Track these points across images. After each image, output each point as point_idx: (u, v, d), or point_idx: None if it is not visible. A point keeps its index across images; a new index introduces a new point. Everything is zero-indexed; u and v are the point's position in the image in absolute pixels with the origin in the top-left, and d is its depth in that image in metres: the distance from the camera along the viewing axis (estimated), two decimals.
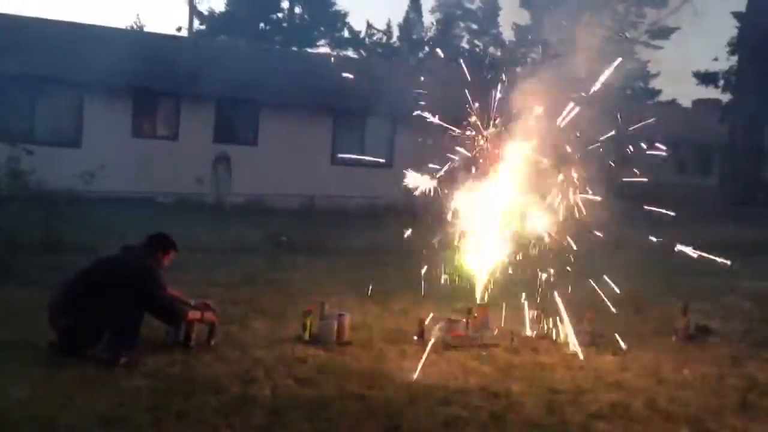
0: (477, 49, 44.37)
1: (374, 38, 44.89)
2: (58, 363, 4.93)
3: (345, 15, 40.24)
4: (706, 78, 26.63)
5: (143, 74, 17.20)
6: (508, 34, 43.97)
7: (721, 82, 26.10)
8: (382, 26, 46.33)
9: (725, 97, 26.62)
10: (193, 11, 32.22)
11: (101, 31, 20.52)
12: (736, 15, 24.45)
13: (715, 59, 25.77)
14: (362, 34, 43.22)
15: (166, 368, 5.02)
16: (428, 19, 48.55)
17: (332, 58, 27.65)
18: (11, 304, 6.59)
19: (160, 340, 5.52)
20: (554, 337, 6.40)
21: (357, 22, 59.95)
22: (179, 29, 33.63)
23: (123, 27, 37.53)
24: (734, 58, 25.00)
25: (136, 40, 22.98)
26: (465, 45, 45.64)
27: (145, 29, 41.68)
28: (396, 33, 46.66)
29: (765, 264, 11.95)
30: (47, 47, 16.63)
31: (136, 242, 5.57)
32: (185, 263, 7.17)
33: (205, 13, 37.29)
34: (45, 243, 9.26)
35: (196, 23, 35.50)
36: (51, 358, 5.03)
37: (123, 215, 12.04)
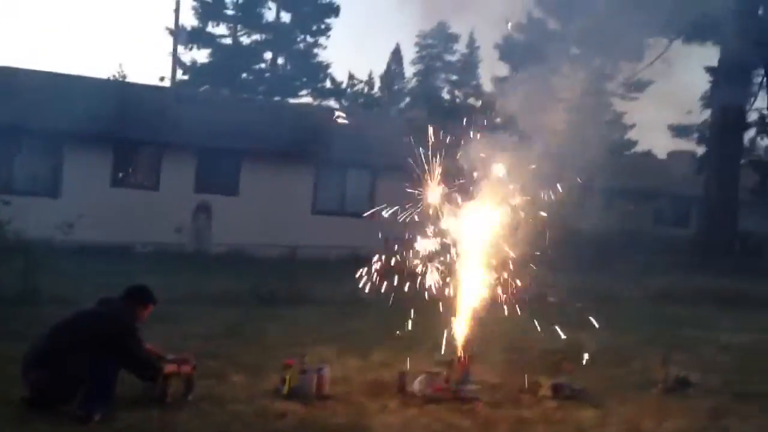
0: (457, 100, 45.05)
1: (356, 89, 45.51)
2: (30, 419, 4.82)
3: (327, 66, 40.79)
4: (680, 130, 27.22)
5: (124, 124, 17.28)
6: (488, 86, 44.71)
7: (695, 135, 26.69)
8: (363, 77, 47.00)
9: (700, 149, 27.16)
10: (176, 61, 32.49)
11: (82, 81, 20.61)
12: (708, 69, 25.10)
13: (689, 112, 26.27)
14: (344, 85, 43.80)
15: (141, 425, 4.92)
16: (409, 70, 49.35)
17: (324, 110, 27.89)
18: None
19: (135, 396, 5.42)
20: (537, 391, 6.37)
21: (339, 73, 60.67)
22: (162, 79, 33.74)
23: (105, 77, 37.74)
24: (707, 112, 25.59)
25: (118, 89, 23.13)
26: (446, 95, 46.36)
27: (128, 79, 41.95)
28: (377, 84, 47.38)
29: (744, 316, 12.05)
30: (27, 97, 16.64)
31: (114, 294, 5.51)
32: (163, 315, 7.10)
33: (188, 63, 37.62)
34: (22, 294, 9.12)
35: (179, 73, 35.78)
36: (23, 415, 4.91)
37: (102, 266, 11.95)
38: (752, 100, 23.64)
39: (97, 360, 4.90)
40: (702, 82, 25.35)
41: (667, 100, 26.18)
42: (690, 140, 27.56)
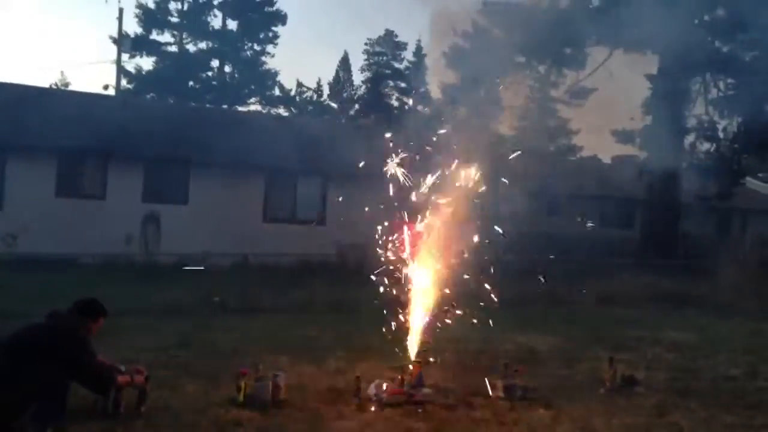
0: (405, 107, 45.35)
1: (304, 96, 45.46)
2: None
3: (275, 74, 40.64)
4: (623, 136, 27.95)
5: (69, 133, 16.90)
6: (435, 92, 45.17)
7: (638, 140, 27.42)
8: (312, 84, 46.97)
9: (643, 154, 27.92)
10: (120, 69, 31.94)
11: (23, 90, 20.13)
12: (648, 77, 25.88)
13: (632, 118, 27.01)
14: (293, 92, 43.70)
15: None
16: (358, 77, 49.50)
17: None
18: None
19: (87, 408, 5.34)
20: (488, 392, 6.49)
21: (287, 81, 60.59)
22: (106, 87, 33.17)
23: (47, 85, 36.89)
24: (648, 118, 26.36)
25: (62, 98, 22.63)
26: (394, 102, 46.63)
27: (70, 87, 41.05)
28: (326, 91, 47.39)
29: (687, 315, 12.48)
30: None
31: (63, 307, 5.42)
32: (114, 327, 7.00)
33: (133, 71, 37.01)
34: None
35: (124, 82, 35.16)
36: None
37: (48, 278, 11.69)
38: (691, 106, 24.46)
39: (48, 374, 4.81)
40: (642, 89, 26.05)
41: (610, 107, 26.84)
42: (634, 146, 28.30)
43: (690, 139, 25.60)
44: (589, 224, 19.87)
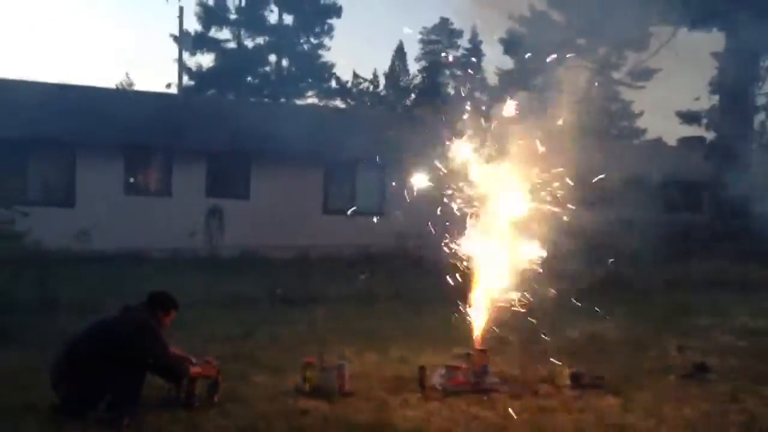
0: (462, 94, 44.96)
1: (361, 87, 45.55)
2: (60, 426, 4.91)
3: (332, 66, 40.83)
4: (689, 117, 27.09)
5: (134, 132, 17.39)
6: (492, 80, 44.74)
7: (704, 121, 26.56)
8: (368, 75, 47.02)
9: (710, 135, 27.06)
10: (182, 67, 32.68)
11: (92, 92, 20.77)
12: (715, 55, 25.02)
13: (697, 98, 26.14)
14: (349, 84, 43.85)
15: (169, 426, 5.01)
16: (414, 67, 49.28)
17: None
18: (10, 366, 6.56)
19: (161, 399, 5.50)
20: (555, 380, 6.41)
21: (344, 72, 60.75)
22: (169, 86, 34.02)
23: (113, 86, 37.99)
24: (715, 98, 25.51)
25: (127, 98, 23.29)
26: (450, 91, 46.34)
27: (135, 87, 42.18)
28: (382, 82, 47.37)
29: (759, 300, 12.04)
30: (37, 109, 16.79)
31: (133, 300, 5.59)
32: (182, 319, 7.17)
33: (194, 69, 37.74)
34: (42, 304, 9.23)
35: (186, 79, 35.92)
36: (53, 422, 5.00)
37: (119, 272, 12.06)
38: (760, 84, 23.58)
39: (124, 365, 4.99)
40: (710, 68, 25.22)
41: (675, 87, 26.10)
42: (700, 126, 27.43)
43: (761, 118, 24.74)
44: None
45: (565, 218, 6.63)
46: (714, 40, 22.85)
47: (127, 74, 51.89)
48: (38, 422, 5.00)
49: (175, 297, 5.68)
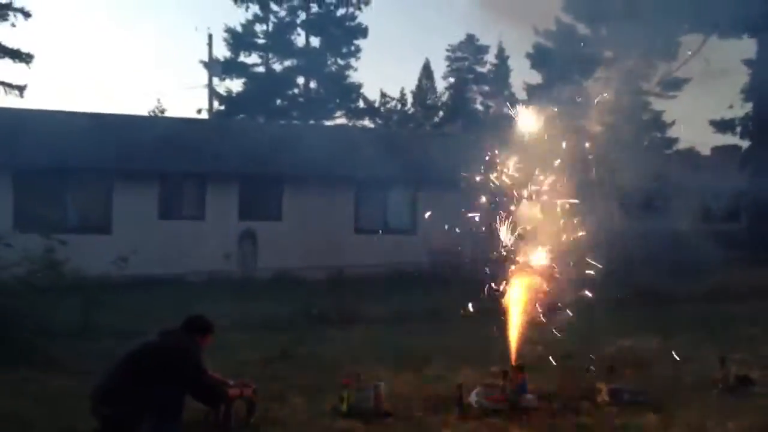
0: (490, 110, 44.92)
1: (389, 107, 45.73)
2: None
3: (359, 86, 41.10)
4: (722, 125, 26.68)
5: (168, 158, 17.70)
6: (520, 95, 44.66)
7: (738, 129, 26.15)
8: (395, 94, 47.20)
9: (744, 143, 26.62)
10: (212, 93, 33.20)
11: (126, 119, 21.17)
12: (747, 62, 24.69)
13: (731, 106, 25.75)
14: (377, 104, 44.05)
15: None
16: (441, 84, 49.41)
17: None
18: (51, 391, 6.69)
19: (200, 421, 5.55)
20: (594, 397, 6.33)
21: (371, 92, 61.09)
22: (199, 111, 34.50)
23: (145, 113, 38.64)
24: (749, 105, 25.11)
25: (160, 124, 23.65)
26: (479, 107, 46.32)
27: (167, 113, 42.85)
28: (410, 100, 47.54)
29: None
30: (73, 138, 17.17)
31: (171, 325, 5.65)
32: (218, 342, 7.24)
33: (224, 93, 38.27)
34: (82, 330, 9.40)
35: (216, 104, 36.44)
36: None
37: (155, 297, 12.22)
38: None
39: (164, 390, 5.04)
40: (742, 75, 24.89)
41: (707, 96, 25.80)
42: (734, 135, 26.99)
43: None
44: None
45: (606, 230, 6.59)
46: (745, 46, 22.57)
47: (158, 101, 52.62)
48: None
49: (211, 320, 5.73)
